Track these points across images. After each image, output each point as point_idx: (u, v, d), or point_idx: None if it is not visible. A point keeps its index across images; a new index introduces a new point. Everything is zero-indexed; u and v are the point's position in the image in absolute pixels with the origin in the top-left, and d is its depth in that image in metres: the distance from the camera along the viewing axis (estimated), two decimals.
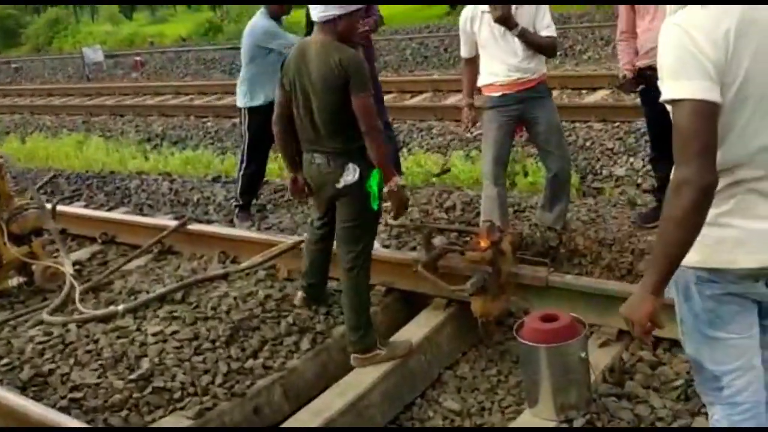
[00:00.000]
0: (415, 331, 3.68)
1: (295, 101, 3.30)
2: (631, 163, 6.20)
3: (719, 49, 1.70)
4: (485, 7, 4.23)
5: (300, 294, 3.83)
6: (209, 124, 9.89)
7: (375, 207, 3.32)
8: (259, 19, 5.49)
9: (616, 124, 7.05)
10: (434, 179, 6.18)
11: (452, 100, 9.44)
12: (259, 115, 5.49)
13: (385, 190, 3.28)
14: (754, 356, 1.99)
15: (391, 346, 3.47)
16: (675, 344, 3.28)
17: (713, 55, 1.70)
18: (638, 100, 7.87)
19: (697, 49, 1.71)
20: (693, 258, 1.85)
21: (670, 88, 1.75)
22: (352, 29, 3.24)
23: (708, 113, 1.71)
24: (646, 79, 4.33)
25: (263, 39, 5.39)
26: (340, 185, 3.25)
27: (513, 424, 3.08)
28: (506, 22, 4.11)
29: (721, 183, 1.79)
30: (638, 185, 5.82)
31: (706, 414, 2.87)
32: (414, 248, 4.52)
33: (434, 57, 14.18)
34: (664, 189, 4.53)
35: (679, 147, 1.75)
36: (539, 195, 4.99)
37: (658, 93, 4.44)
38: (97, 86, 15.87)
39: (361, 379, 3.33)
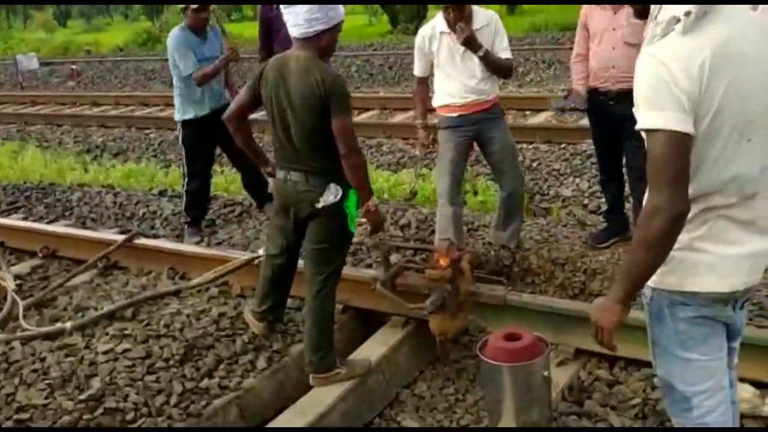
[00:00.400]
0: (373, 349, 3.65)
1: (270, 116, 3.21)
2: (578, 184, 6.33)
3: (694, 81, 1.74)
4: (444, 27, 4.28)
5: (261, 325, 3.66)
6: (152, 136, 9.67)
7: (353, 229, 3.29)
8: (175, 32, 5.43)
9: (562, 145, 7.21)
10: (385, 196, 6.18)
11: (399, 117, 9.51)
12: (192, 128, 5.46)
13: (362, 209, 3.25)
14: (723, 377, 2.05)
15: (350, 365, 3.43)
16: (630, 363, 3.35)
17: (688, 86, 1.74)
18: (582, 122, 8.17)
19: (673, 80, 1.75)
20: (667, 281, 1.89)
21: (645, 118, 1.79)
22: (334, 42, 3.19)
23: (681, 144, 1.75)
24: (592, 100, 4.46)
25: (173, 55, 5.33)
26: (319, 205, 3.17)
27: None
28: (471, 44, 4.16)
29: (695, 209, 1.84)
30: (585, 206, 5.94)
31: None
32: (370, 266, 4.50)
33: (379, 75, 14.26)
34: (613, 210, 4.71)
35: (653, 175, 1.79)
36: (491, 214, 5.05)
37: (605, 115, 4.59)
38: (31, 94, 15.37)
39: (321, 398, 3.27)
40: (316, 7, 3.01)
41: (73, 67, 18.58)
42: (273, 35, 5.77)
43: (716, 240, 1.89)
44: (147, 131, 10.01)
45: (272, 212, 3.49)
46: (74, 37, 38.85)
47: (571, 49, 4.81)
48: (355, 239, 3.59)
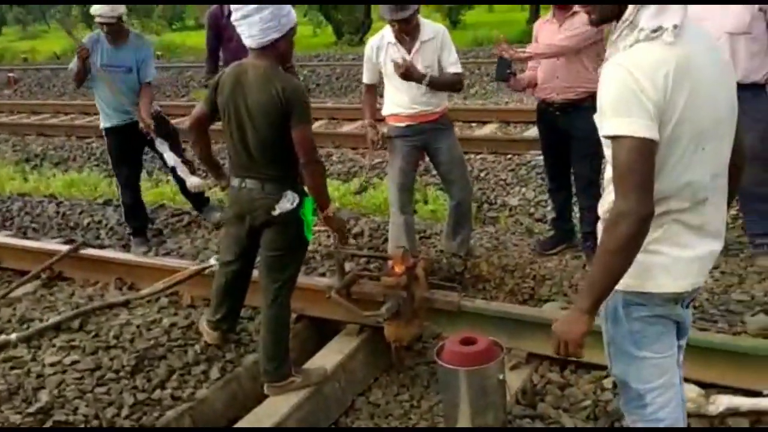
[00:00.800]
0: (328, 357, 3.64)
1: (227, 125, 3.17)
2: (524, 194, 6.45)
3: (659, 90, 1.81)
4: (392, 39, 4.31)
5: (215, 334, 3.63)
6: (94, 145, 9.44)
7: (309, 236, 3.28)
8: (91, 33, 5.40)
9: (508, 156, 7.34)
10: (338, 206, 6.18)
11: (348, 128, 9.53)
12: (111, 137, 5.42)
13: (321, 216, 3.25)
14: (675, 374, 2.12)
15: (305, 373, 3.42)
16: (580, 366, 3.42)
17: (653, 95, 1.81)
18: (526, 134, 8.35)
19: (639, 88, 1.81)
20: (622, 281, 1.95)
21: (611, 125, 1.85)
22: (290, 48, 3.18)
23: (647, 150, 1.81)
24: (541, 110, 4.56)
25: None
26: (276, 212, 3.15)
27: None
28: (410, 77, 4.21)
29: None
30: (531, 214, 6.06)
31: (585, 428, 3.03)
32: (323, 274, 4.50)
33: (326, 85, 14.26)
34: (560, 218, 4.82)
35: (619, 181, 1.85)
36: (442, 223, 5.10)
37: (552, 125, 4.69)
38: None
39: (277, 407, 3.25)
40: (268, 15, 3.00)
41: (10, 74, 18.04)
42: (224, 44, 5.69)
43: (670, 243, 1.97)
44: (88, 140, 9.77)
45: (226, 220, 3.46)
46: (10, 44, 37.69)
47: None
48: (308, 248, 3.59)
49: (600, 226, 2.09)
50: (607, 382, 3.30)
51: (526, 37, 21.86)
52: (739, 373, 3.09)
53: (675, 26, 1.82)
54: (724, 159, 1.99)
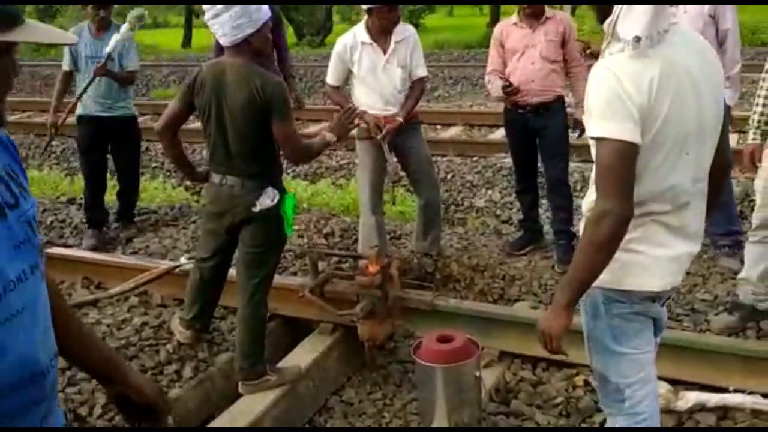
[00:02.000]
0: (302, 356, 3.64)
1: (207, 123, 3.16)
2: (490, 195, 6.53)
3: (643, 94, 1.87)
4: (366, 38, 4.32)
5: (188, 333, 3.60)
6: (54, 143, 9.23)
7: (289, 232, 3.28)
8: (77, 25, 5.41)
9: (474, 158, 7.41)
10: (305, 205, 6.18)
11: (313, 128, 9.49)
12: (83, 126, 5.43)
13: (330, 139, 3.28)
14: (652, 369, 2.19)
15: (280, 371, 3.41)
16: (552, 364, 3.49)
17: (638, 99, 1.86)
18: (491, 137, 8.45)
19: (625, 93, 1.86)
20: (603, 279, 2.01)
21: (596, 127, 1.90)
22: (267, 42, 3.17)
23: (629, 153, 1.87)
24: (511, 114, 4.62)
25: None
26: (256, 209, 3.14)
27: None
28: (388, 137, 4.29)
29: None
30: (497, 216, 6.13)
31: (587, 428, 3.09)
32: (295, 273, 4.50)
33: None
34: (528, 219, 4.90)
35: (602, 181, 1.91)
36: (412, 223, 5.14)
37: (523, 128, 4.77)
38: None
39: (252, 406, 3.24)
40: (238, 12, 3.00)
41: None
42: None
43: (650, 242, 2.02)
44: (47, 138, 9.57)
45: (204, 217, 3.44)
46: None
47: (475, 66, 4.96)
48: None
49: (582, 222, 2.14)
50: (579, 380, 3.37)
51: (485, 42, 22.17)
52: (706, 370, 3.19)
53: (637, 38, 1.86)
54: (706, 164, 2.05)
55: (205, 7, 3.09)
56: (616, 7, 1.92)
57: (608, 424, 2.30)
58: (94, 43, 5.23)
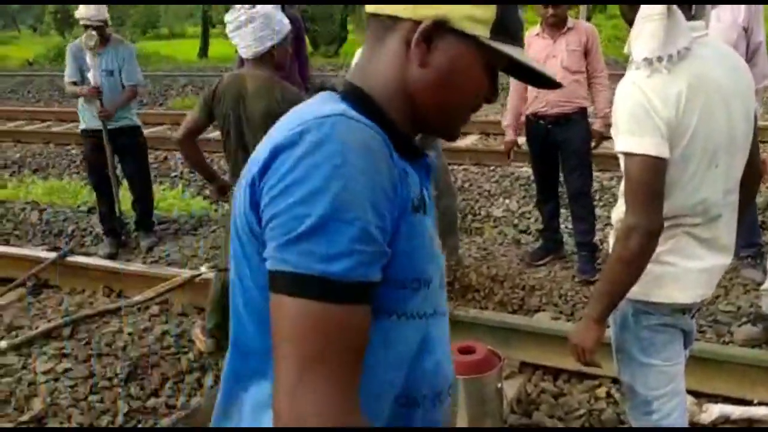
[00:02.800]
0: None
1: (228, 135, 3.18)
2: (507, 205, 6.51)
3: (671, 108, 1.85)
4: None
5: (209, 342, 3.61)
6: (73, 152, 9.34)
7: None
8: (75, 40, 5.43)
9: (491, 167, 7.40)
10: None
11: None
12: (87, 141, 5.48)
13: None
14: (681, 382, 2.16)
15: None
16: (573, 375, 3.47)
17: (665, 114, 1.85)
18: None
19: (652, 107, 1.85)
20: (633, 290, 1.99)
21: (624, 142, 1.89)
22: (287, 54, 3.19)
23: (657, 168, 1.86)
24: (532, 124, 4.62)
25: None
26: None
27: None
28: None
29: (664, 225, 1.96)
30: (515, 225, 6.11)
31: (587, 428, 3.07)
32: None
33: (303, 96, 14.25)
34: (548, 229, 4.88)
35: (630, 196, 1.90)
36: None
37: (543, 139, 4.75)
38: None
39: None
40: (259, 24, 3.02)
41: None
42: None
43: (680, 254, 2.01)
44: (67, 147, 9.66)
45: (227, 226, 3.46)
46: None
47: None
48: None
49: (611, 235, 2.13)
50: (601, 392, 3.34)
51: None
52: (729, 382, 3.16)
53: (648, 60, 1.86)
54: (736, 175, 2.03)
55: (227, 19, 3.11)
56: (633, 29, 1.93)
57: None
58: (98, 57, 5.23)
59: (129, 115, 5.44)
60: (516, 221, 6.19)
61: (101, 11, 5.20)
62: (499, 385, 3.01)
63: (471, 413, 2.97)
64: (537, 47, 4.46)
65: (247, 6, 3.05)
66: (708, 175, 1.94)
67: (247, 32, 3.04)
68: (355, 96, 1.08)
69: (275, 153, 0.96)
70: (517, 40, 1.11)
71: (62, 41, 31.45)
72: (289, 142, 0.95)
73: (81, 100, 5.35)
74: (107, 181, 5.47)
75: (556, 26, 4.41)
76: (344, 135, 0.94)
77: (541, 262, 4.73)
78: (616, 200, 6.07)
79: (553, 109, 4.42)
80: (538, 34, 4.52)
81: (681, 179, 1.92)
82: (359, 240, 0.92)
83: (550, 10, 4.36)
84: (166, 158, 8.71)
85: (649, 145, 1.85)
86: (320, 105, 1.03)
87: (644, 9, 1.88)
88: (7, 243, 5.71)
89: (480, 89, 1.12)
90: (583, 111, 4.52)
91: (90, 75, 5.15)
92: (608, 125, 4.45)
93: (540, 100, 4.46)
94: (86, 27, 5.17)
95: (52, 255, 4.76)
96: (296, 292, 0.91)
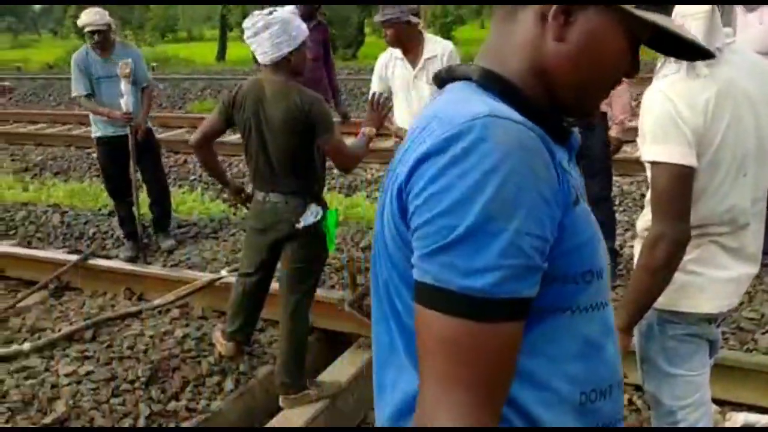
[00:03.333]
0: (341, 370, 3.65)
1: (248, 141, 3.18)
2: None
3: (698, 116, 1.85)
4: (398, 53, 4.31)
5: (230, 345, 3.58)
6: (94, 155, 9.39)
7: (331, 248, 3.30)
8: (78, 51, 5.44)
9: None
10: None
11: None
12: (101, 147, 5.53)
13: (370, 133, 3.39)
14: (706, 392, 2.15)
15: (320, 385, 3.42)
16: None
17: (692, 122, 1.85)
18: None
19: (678, 115, 1.85)
20: (659, 300, 1.98)
21: (651, 151, 1.90)
22: (304, 60, 3.20)
23: (684, 176, 1.86)
24: None
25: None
26: (300, 225, 3.17)
27: None
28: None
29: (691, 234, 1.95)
30: None
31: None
32: (333, 287, 4.51)
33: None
34: None
35: (657, 205, 1.90)
36: None
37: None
38: None
39: (293, 420, 3.25)
40: (277, 30, 3.03)
41: (5, 83, 17.99)
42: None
43: (707, 264, 1.99)
44: (88, 150, 9.74)
45: (248, 232, 3.47)
46: (0, 54, 37.67)
47: None
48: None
49: (637, 243, 2.12)
50: (646, 396, 3.31)
51: None
52: (754, 390, 3.13)
53: (718, 49, 1.85)
54: (764, 183, 2.02)
55: (245, 25, 3.11)
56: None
57: None
58: (103, 64, 5.28)
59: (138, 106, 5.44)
60: None
61: (103, 15, 5.23)
62: None
63: None
64: None
65: (265, 12, 3.06)
66: (736, 184, 1.92)
67: (264, 38, 3.05)
68: (496, 84, 1.02)
69: (422, 160, 0.91)
70: (664, 8, 1.04)
71: (81, 44, 31.78)
72: (436, 149, 0.90)
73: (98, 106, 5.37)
74: (125, 186, 5.50)
75: None
76: (497, 138, 0.88)
77: None
78: (635, 205, 6.08)
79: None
80: None
81: (709, 187, 1.91)
82: (508, 253, 0.86)
83: None
84: (185, 161, 8.76)
85: (676, 154, 1.85)
86: (464, 103, 0.96)
87: (686, 8, 1.86)
88: (29, 245, 5.77)
89: (621, 64, 1.04)
90: (603, 117, 4.50)
91: (123, 101, 5.16)
92: (625, 131, 4.43)
93: None
94: (92, 33, 5.21)
95: (74, 258, 4.80)
96: (436, 306, 0.88)
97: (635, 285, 1.96)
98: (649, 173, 1.94)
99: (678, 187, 1.86)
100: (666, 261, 1.87)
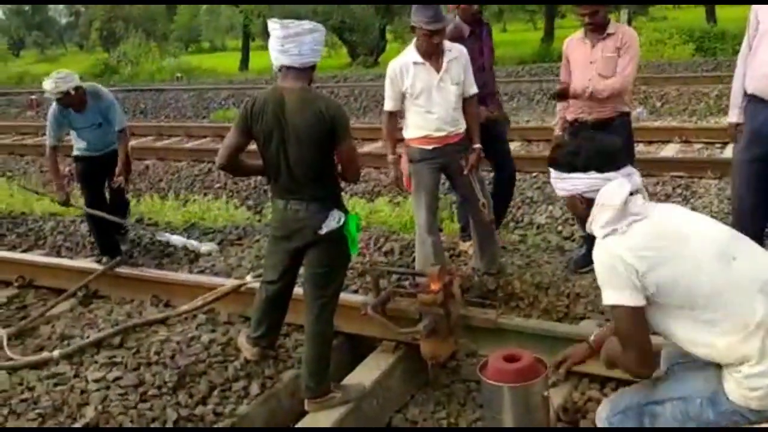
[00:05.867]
0: (365, 374, 3.66)
1: (266, 148, 3.19)
2: (551, 211, 6.47)
3: (643, 261, 2.13)
4: (418, 58, 4.28)
5: (255, 350, 3.65)
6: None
7: (354, 251, 3.33)
8: (52, 107, 5.41)
9: (534, 174, 7.36)
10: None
11: (369, 147, 9.58)
12: (80, 163, 5.68)
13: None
14: None
15: (345, 389, 3.44)
16: (621, 383, 3.42)
17: (639, 267, 2.13)
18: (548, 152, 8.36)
19: (621, 263, 2.14)
20: (739, 394, 2.17)
21: (606, 296, 2.22)
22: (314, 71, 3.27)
23: (637, 315, 2.18)
24: (573, 129, 4.59)
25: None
26: (322, 231, 3.20)
27: None
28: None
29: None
30: (559, 232, 6.07)
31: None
32: (356, 291, 4.53)
33: (345, 105, 14.36)
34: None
35: (621, 339, 2.29)
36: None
37: None
38: None
39: (319, 423, 3.28)
40: (319, 37, 3.09)
41: (33, 97, 18.28)
42: None
43: None
44: None
45: (271, 240, 3.50)
46: (28, 67, 38.29)
47: (530, 81, 4.97)
48: None
49: None
50: None
51: (539, 57, 22.01)
52: None
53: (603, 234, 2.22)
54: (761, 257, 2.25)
55: (285, 22, 3.11)
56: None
57: None
58: (82, 117, 5.34)
59: (115, 144, 5.52)
60: (559, 228, 6.15)
61: (68, 80, 5.14)
62: (546, 393, 2.99)
63: (517, 421, 2.95)
64: (578, 52, 4.44)
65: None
66: (733, 274, 2.14)
67: (307, 41, 3.08)
68: None
69: None
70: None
71: (107, 57, 32.24)
72: None
73: (73, 133, 5.50)
74: (102, 195, 5.67)
75: (596, 31, 4.37)
76: None
77: (585, 270, 4.66)
78: None
79: (590, 115, 4.39)
80: (579, 39, 4.49)
81: (718, 295, 2.14)
82: None
83: (586, 18, 4.33)
84: (210, 170, 8.85)
85: (626, 297, 2.15)
86: None
87: (604, 197, 2.23)
88: (58, 255, 5.87)
89: None
90: (624, 116, 4.48)
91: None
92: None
93: (578, 106, 4.43)
94: (59, 99, 5.17)
95: (102, 266, 4.87)
96: None
97: (616, 358, 2.40)
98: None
99: (633, 323, 2.19)
100: (633, 368, 2.32)
